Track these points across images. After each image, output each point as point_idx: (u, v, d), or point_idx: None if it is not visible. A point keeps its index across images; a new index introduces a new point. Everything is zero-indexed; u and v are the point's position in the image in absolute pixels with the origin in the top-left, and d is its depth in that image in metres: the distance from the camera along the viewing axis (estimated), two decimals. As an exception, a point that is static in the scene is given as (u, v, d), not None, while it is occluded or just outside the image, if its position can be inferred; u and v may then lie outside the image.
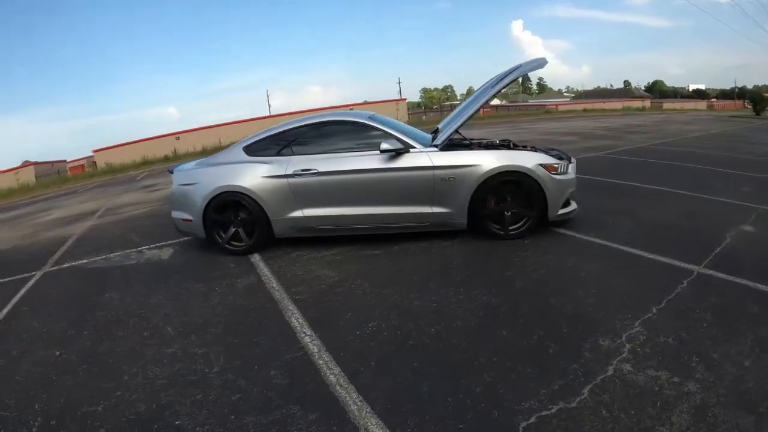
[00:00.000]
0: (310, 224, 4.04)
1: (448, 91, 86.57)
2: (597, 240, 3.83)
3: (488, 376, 2.11)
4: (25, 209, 11.57)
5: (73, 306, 3.61)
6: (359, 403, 2.01)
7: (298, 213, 4.02)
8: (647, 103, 48.92)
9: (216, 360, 2.52)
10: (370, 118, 4.15)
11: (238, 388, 2.23)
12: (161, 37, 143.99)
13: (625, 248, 3.59)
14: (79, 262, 4.84)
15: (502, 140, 4.70)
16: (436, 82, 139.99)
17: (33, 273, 4.64)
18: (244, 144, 4.31)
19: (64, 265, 4.79)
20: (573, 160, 4.10)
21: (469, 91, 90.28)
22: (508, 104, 54.15)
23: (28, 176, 25.39)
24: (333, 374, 2.24)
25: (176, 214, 4.39)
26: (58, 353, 2.81)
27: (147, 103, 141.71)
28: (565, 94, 78.20)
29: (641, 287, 2.90)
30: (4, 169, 19.94)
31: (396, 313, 2.81)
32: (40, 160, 30.75)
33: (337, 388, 2.14)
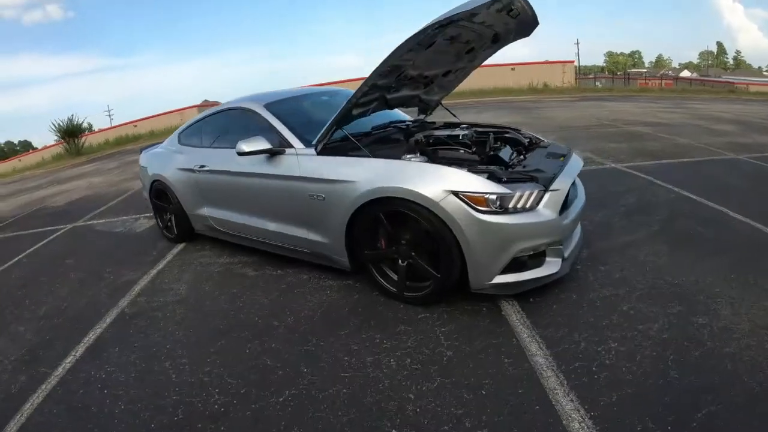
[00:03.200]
0: (215, 226, 3.50)
1: (635, 56, 72.50)
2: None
3: None
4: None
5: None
6: None
7: (205, 211, 3.53)
8: None
9: None
10: (268, 104, 3.10)
11: None
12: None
13: None
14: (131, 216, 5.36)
15: (499, 128, 3.26)
16: (623, 47, 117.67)
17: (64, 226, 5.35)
18: (179, 130, 3.98)
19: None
20: (562, 186, 2.34)
21: (658, 59, 73.44)
22: (700, 77, 41.40)
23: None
24: None
25: (144, 194, 4.40)
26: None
27: (331, 50, 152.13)
28: (765, 72, 56.01)
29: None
30: (187, 105, 24.21)
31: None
32: (215, 100, 35.25)
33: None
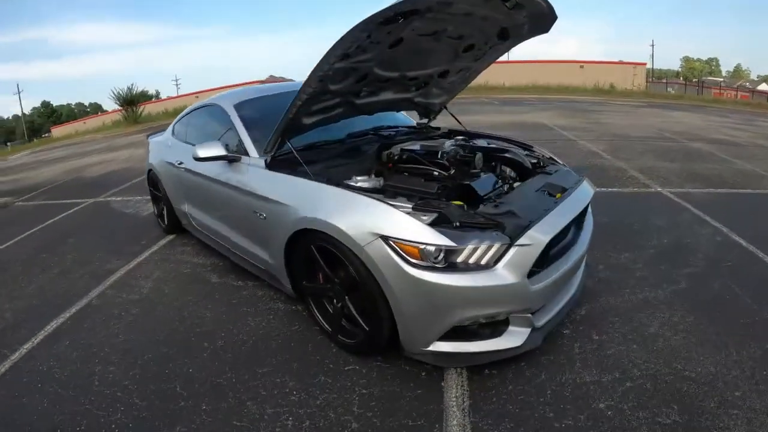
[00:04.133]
0: (195, 225, 3.54)
1: (712, 64, 66.54)
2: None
3: None
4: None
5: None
6: None
7: (185, 208, 3.58)
8: None
9: None
10: (238, 104, 2.90)
11: None
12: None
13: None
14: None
15: (506, 143, 2.92)
16: (701, 53, 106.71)
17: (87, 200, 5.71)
18: (175, 120, 4.02)
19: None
20: (538, 239, 1.82)
21: (736, 69, 66.19)
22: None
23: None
24: None
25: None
26: None
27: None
28: None
29: None
30: (251, 80, 24.75)
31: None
32: (281, 76, 34.36)
33: None
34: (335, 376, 2.03)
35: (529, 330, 1.90)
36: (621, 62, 22.18)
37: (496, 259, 1.77)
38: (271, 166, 2.43)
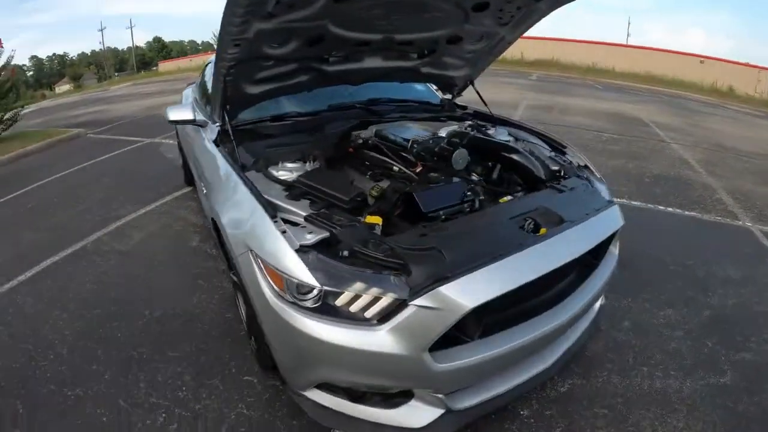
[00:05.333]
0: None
1: None
2: None
3: None
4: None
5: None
6: None
7: (191, 164, 3.62)
8: None
9: None
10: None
11: None
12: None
13: None
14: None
15: (537, 139, 2.40)
16: None
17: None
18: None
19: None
20: (458, 304, 1.27)
21: None
22: None
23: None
24: None
25: None
26: None
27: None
28: None
29: None
30: None
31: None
32: None
33: None
34: (229, 384, 1.91)
35: (441, 411, 1.45)
36: (747, 64, 18.08)
37: (384, 317, 1.31)
38: (220, 138, 2.18)
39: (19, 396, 1.90)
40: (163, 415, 1.77)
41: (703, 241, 3.35)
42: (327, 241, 1.41)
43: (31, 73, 55.48)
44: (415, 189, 1.73)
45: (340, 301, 1.33)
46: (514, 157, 2.11)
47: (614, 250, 1.94)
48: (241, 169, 1.82)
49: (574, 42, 19.95)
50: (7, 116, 7.05)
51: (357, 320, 1.33)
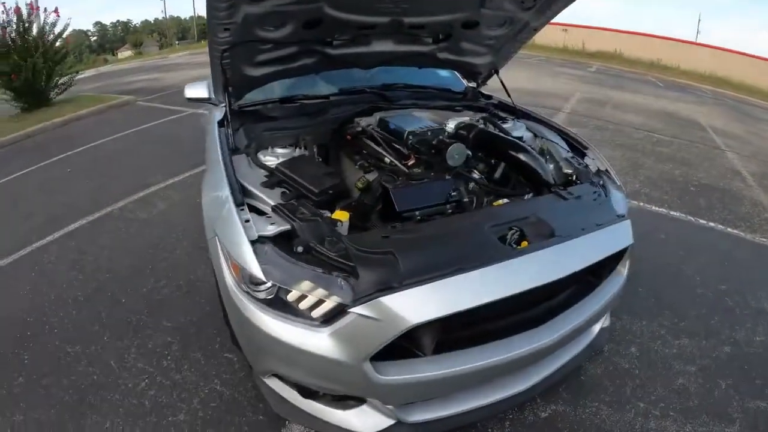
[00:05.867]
0: None
1: None
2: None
3: None
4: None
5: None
6: None
7: None
8: None
9: None
10: None
11: None
12: None
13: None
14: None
15: (558, 136, 2.24)
16: None
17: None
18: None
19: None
20: (401, 319, 1.20)
21: None
22: None
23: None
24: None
25: None
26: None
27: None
28: None
29: None
30: None
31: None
32: None
33: None
34: (210, 359, 1.97)
35: (391, 421, 1.40)
36: None
37: (328, 319, 1.27)
38: (225, 119, 2.12)
39: (28, 348, 2.08)
40: (146, 380, 1.87)
41: (742, 264, 3.01)
42: (288, 234, 1.38)
43: (95, 38, 58.63)
44: (394, 184, 1.64)
45: (291, 297, 1.30)
46: (521, 156, 1.89)
47: (623, 270, 1.77)
48: (232, 151, 1.82)
49: (638, 35, 18.49)
50: (62, 80, 7.51)
51: (305, 319, 1.30)
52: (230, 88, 2.10)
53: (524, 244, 1.41)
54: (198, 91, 2.55)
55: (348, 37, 2.09)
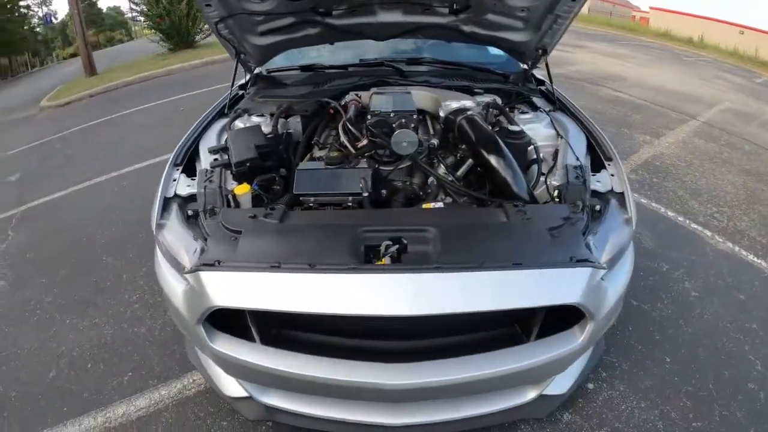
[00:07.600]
0: None
1: None
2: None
3: None
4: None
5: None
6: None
7: None
8: None
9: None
10: None
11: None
12: None
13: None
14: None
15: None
16: None
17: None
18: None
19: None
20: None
21: None
22: None
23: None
24: None
25: None
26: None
27: None
28: None
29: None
30: None
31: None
32: None
33: None
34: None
35: (245, 394, 1.47)
36: None
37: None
38: (260, 78, 2.44)
39: (43, 288, 2.52)
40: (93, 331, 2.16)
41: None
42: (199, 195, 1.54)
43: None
44: (306, 165, 1.64)
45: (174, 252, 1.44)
46: (491, 158, 1.58)
47: (579, 335, 1.31)
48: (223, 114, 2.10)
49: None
50: (207, 26, 8.41)
51: (182, 271, 1.35)
52: (242, 55, 2.22)
53: (382, 261, 1.23)
54: None
55: (347, 8, 1.97)
